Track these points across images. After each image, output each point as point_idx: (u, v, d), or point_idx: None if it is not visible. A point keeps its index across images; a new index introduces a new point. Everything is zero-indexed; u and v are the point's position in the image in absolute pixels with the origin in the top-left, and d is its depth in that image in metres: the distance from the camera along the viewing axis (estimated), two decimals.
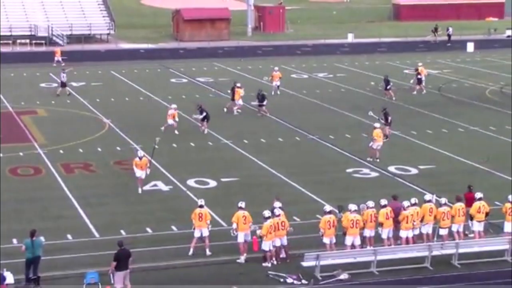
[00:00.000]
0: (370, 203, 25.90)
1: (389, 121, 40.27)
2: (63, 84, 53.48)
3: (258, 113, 47.16)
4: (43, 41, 79.37)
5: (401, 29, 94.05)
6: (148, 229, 27.91)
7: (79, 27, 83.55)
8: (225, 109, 47.55)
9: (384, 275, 24.16)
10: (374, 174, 35.24)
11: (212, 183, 33.48)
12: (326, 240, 25.43)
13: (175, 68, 66.65)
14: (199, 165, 36.13)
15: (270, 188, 32.31)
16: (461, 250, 25.10)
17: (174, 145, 39.76)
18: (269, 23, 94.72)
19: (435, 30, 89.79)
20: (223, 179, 34.01)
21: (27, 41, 79.12)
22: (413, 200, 26.20)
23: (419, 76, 54.25)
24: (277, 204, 25.93)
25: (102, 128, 43.75)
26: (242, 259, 25.22)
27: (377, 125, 37.92)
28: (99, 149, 39.04)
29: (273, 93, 52.63)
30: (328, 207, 25.93)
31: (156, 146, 33.89)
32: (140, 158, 32.41)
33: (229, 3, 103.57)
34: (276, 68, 55.11)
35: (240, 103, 47.24)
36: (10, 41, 78.99)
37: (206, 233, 25.82)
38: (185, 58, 73.64)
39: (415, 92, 53.69)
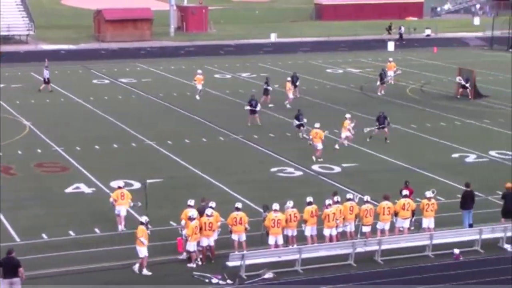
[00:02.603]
0: (290, 203, 26.04)
1: (386, 123, 40.72)
2: (46, 81, 53.82)
3: (300, 134, 41.32)
4: None
5: (324, 28, 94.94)
6: (71, 232, 27.52)
7: None
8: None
9: (308, 273, 24.32)
10: (298, 173, 35.45)
11: (136, 185, 33.17)
12: (234, 236, 25.46)
13: (97, 69, 65.93)
14: (123, 167, 35.79)
15: (195, 188, 32.21)
16: (383, 247, 25.45)
17: (97, 147, 39.32)
18: (192, 23, 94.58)
19: (389, 28, 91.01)
20: (147, 181, 33.68)
21: None
22: (335, 198, 26.45)
23: (388, 75, 55.06)
24: (212, 204, 25.79)
25: (23, 131, 42.97)
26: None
27: (347, 116, 39.41)
28: (20, 152, 38.34)
29: (197, 97, 52.11)
30: (239, 204, 25.93)
31: (146, 191, 28.60)
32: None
33: (151, 3, 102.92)
34: (200, 71, 54.68)
35: None
36: None
37: (124, 212, 27.43)
38: (107, 59, 72.93)
39: (382, 92, 54.09)
